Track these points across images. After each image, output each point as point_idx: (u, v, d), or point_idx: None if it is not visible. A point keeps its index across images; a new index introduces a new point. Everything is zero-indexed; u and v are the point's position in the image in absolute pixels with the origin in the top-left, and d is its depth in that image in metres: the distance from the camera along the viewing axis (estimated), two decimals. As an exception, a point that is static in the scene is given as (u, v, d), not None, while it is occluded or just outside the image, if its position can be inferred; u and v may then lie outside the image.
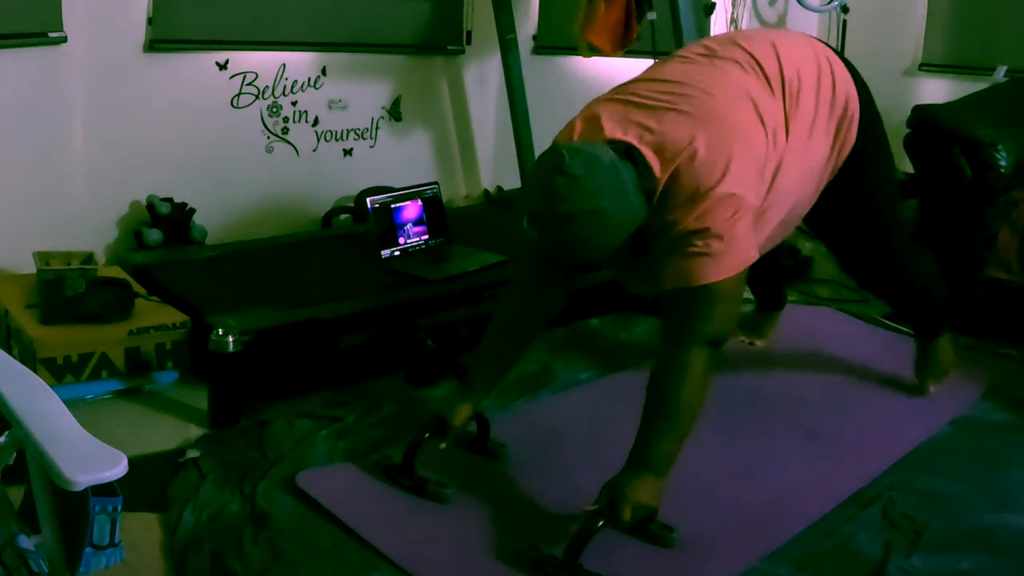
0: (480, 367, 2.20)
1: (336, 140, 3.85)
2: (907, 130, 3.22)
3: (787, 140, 2.05)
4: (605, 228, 1.84)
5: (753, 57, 2.09)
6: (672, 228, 1.89)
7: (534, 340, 2.28)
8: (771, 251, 2.46)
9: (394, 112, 4.00)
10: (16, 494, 1.48)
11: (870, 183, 2.31)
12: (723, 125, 1.93)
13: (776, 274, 2.96)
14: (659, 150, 1.89)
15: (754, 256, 1.95)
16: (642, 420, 1.94)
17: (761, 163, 1.98)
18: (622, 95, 2.04)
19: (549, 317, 2.24)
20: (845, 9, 4.59)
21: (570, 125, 2.04)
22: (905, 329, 3.18)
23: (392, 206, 3.08)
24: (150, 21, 3.23)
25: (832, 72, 2.17)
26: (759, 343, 2.94)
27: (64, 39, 2.99)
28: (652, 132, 1.91)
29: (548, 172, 1.83)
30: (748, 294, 2.79)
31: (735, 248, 1.89)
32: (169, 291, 2.78)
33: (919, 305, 2.65)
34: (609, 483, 1.89)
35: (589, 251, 1.89)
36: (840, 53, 2.31)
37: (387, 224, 3.06)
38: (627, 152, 1.89)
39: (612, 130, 1.94)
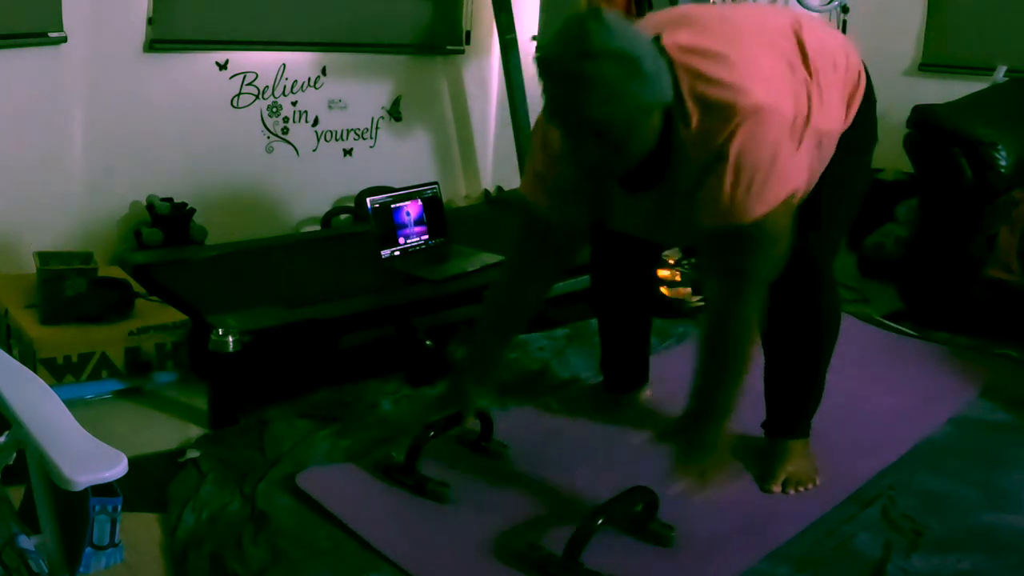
0: (483, 340, 2.17)
1: (336, 140, 3.85)
2: (907, 130, 3.22)
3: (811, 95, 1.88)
4: (628, 90, 1.63)
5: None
6: (702, 150, 1.73)
7: (534, 312, 2.21)
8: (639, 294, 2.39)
9: (394, 112, 4.00)
10: (16, 494, 1.48)
11: (835, 176, 2.02)
12: (755, 48, 1.81)
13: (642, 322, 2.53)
14: (688, 62, 1.74)
15: (802, 182, 1.80)
16: (702, 367, 1.89)
17: (792, 91, 1.81)
18: (654, 19, 1.95)
19: (549, 287, 2.20)
20: (845, 9, 4.59)
21: None
22: (904, 329, 3.19)
23: (392, 206, 3.08)
24: (150, 21, 3.23)
25: (847, 51, 2.04)
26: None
27: (64, 39, 2.99)
28: (684, 47, 1.76)
29: (579, 19, 1.66)
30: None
31: (780, 170, 1.73)
32: (169, 291, 2.78)
33: (800, 357, 2.17)
34: (684, 434, 1.88)
35: (603, 113, 1.64)
36: None
37: (387, 224, 3.06)
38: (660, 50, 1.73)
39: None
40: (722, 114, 1.71)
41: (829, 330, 2.17)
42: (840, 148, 1.98)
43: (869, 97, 2.06)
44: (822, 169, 1.97)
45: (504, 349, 2.22)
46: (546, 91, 1.71)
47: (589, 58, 1.61)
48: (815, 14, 4.45)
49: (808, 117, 1.83)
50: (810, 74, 1.87)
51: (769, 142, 1.72)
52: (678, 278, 3.26)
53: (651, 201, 1.90)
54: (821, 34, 1.98)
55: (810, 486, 2.16)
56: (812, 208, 1.95)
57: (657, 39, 1.75)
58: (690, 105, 1.73)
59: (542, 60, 1.69)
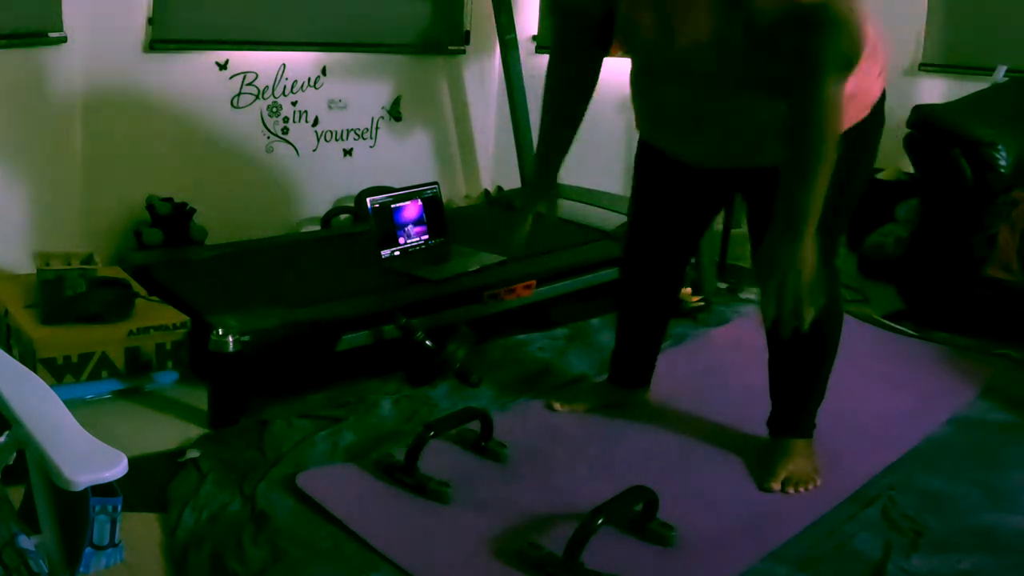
0: (547, 141, 2.26)
1: (336, 140, 3.85)
2: (907, 130, 3.22)
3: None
4: None
5: None
6: None
7: (583, 112, 2.25)
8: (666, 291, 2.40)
9: (394, 112, 4.00)
10: (16, 494, 1.48)
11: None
12: None
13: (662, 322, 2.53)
14: None
15: None
16: (783, 177, 1.79)
17: None
18: None
19: (591, 91, 2.22)
20: (845, 9, 4.59)
21: None
22: (904, 329, 3.19)
23: (392, 206, 3.07)
24: (150, 21, 3.23)
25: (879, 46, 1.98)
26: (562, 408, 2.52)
27: (64, 39, 2.99)
28: None
29: None
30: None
31: None
32: (169, 291, 2.78)
33: (803, 359, 2.18)
34: (765, 250, 1.82)
35: None
36: None
37: (387, 224, 3.06)
38: None
39: None
40: None
41: (830, 330, 2.17)
42: (849, 143, 1.93)
43: (883, 97, 2.07)
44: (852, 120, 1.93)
45: (566, 145, 2.28)
46: None
47: None
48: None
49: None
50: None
51: None
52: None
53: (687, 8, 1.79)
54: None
55: (810, 486, 2.15)
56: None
57: None
58: None
59: None
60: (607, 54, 2.18)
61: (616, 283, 2.61)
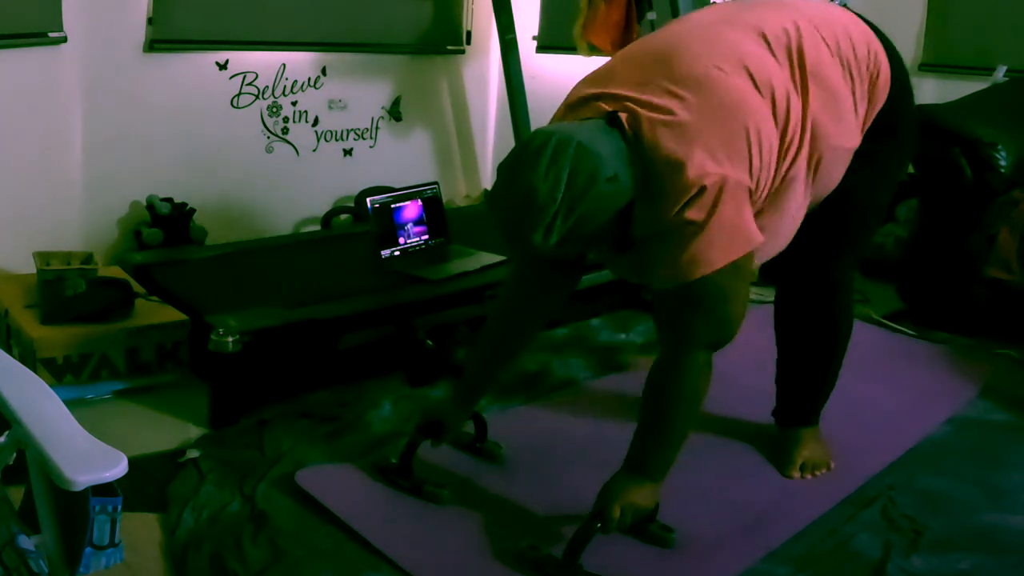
0: (475, 369, 2.16)
1: (336, 140, 3.85)
2: (907, 130, 3.22)
3: (805, 106, 1.83)
4: (589, 203, 1.63)
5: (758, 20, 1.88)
6: (653, 215, 1.72)
7: (530, 342, 2.22)
8: None
9: (394, 112, 4.00)
10: (16, 494, 1.48)
11: (860, 181, 1.99)
12: (709, 96, 1.73)
13: None
14: (633, 122, 1.71)
15: (754, 241, 1.75)
16: (638, 424, 1.90)
17: (757, 135, 1.74)
18: (602, 74, 1.90)
19: (546, 319, 2.20)
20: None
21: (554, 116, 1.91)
22: (904, 329, 3.18)
23: (392, 206, 3.08)
24: (150, 21, 3.24)
25: (850, 34, 1.94)
26: None
27: (64, 39, 2.99)
28: (645, 109, 1.72)
29: (534, 139, 1.67)
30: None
31: (723, 234, 1.70)
32: (169, 291, 2.78)
33: (816, 355, 2.22)
34: (604, 485, 1.87)
35: (566, 229, 1.63)
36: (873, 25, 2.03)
37: (387, 224, 3.06)
38: (612, 119, 1.72)
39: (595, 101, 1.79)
40: (670, 190, 1.69)
41: (842, 333, 2.21)
42: (859, 158, 1.94)
43: (895, 106, 1.98)
44: (832, 187, 1.95)
45: (491, 382, 2.21)
46: (494, 218, 1.74)
47: (526, 195, 1.62)
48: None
49: (797, 152, 1.81)
50: (805, 95, 1.82)
51: (709, 207, 1.69)
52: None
53: (629, 260, 1.88)
54: (827, 35, 1.89)
55: (825, 470, 2.23)
56: (831, 223, 2.00)
57: (614, 115, 1.72)
58: (645, 177, 1.71)
59: (493, 191, 1.72)
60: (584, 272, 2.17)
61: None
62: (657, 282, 1.81)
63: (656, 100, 1.73)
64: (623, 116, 1.72)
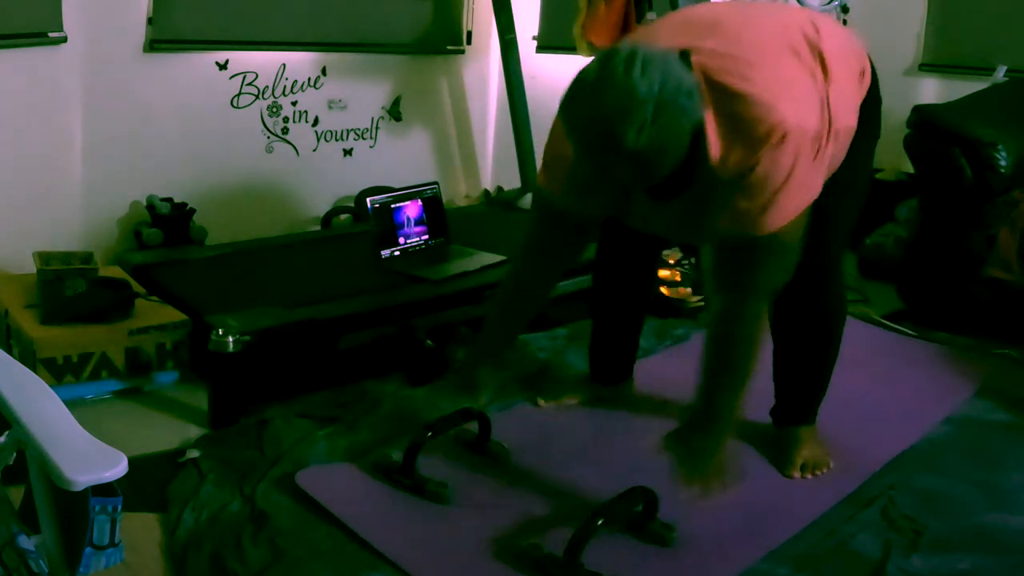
0: (496, 327, 2.21)
1: (336, 140, 3.85)
2: (907, 130, 3.22)
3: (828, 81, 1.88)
4: (660, 120, 1.61)
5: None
6: (723, 166, 1.74)
7: (546, 299, 2.25)
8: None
9: (394, 112, 4.00)
10: (16, 494, 1.48)
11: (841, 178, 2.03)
12: (780, 57, 1.80)
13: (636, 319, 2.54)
14: (716, 78, 1.73)
15: (817, 192, 1.80)
16: (704, 376, 1.90)
17: (817, 101, 1.80)
18: (671, 23, 1.94)
19: (559, 277, 2.22)
20: (845, 9, 4.59)
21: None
22: (904, 329, 3.18)
23: (392, 206, 3.08)
24: (150, 21, 3.24)
25: (857, 50, 2.03)
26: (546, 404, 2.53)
27: (64, 39, 2.99)
28: (711, 62, 1.74)
29: (609, 54, 1.65)
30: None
31: (796, 188, 1.75)
32: (169, 291, 2.78)
33: (810, 346, 2.22)
34: (676, 448, 1.89)
35: (636, 142, 1.61)
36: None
37: (387, 224, 3.06)
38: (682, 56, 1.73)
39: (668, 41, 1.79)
40: (749, 134, 1.72)
41: (836, 323, 2.22)
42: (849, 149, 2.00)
43: (873, 96, 2.07)
44: (834, 169, 1.99)
45: (511, 340, 2.26)
46: (574, 124, 1.69)
47: (621, 91, 1.60)
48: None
49: (830, 125, 1.85)
50: (828, 80, 1.87)
51: (791, 161, 1.73)
52: (678, 278, 3.26)
53: (673, 209, 1.91)
54: (837, 34, 1.98)
55: (825, 469, 2.23)
56: (821, 209, 1.96)
57: (685, 54, 1.74)
58: (718, 122, 1.73)
59: (572, 98, 1.67)
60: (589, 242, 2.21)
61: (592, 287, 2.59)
62: (722, 230, 1.81)
63: (721, 49, 1.76)
64: (694, 60, 1.74)
